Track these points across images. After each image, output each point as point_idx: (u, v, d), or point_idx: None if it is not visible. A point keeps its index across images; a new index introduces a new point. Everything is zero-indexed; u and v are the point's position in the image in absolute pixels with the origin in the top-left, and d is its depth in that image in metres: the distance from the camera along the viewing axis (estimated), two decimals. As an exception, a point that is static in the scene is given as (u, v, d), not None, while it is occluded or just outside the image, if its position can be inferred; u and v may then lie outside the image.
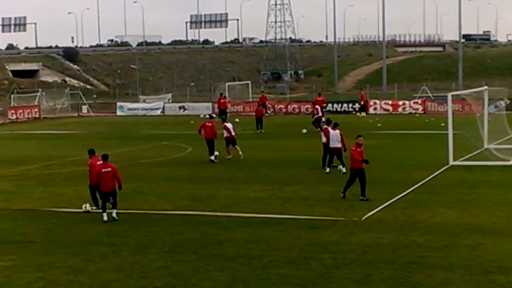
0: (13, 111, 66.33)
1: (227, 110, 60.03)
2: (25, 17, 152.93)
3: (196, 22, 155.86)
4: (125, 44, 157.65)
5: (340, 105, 65.39)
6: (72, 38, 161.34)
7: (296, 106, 66.91)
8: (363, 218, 20.92)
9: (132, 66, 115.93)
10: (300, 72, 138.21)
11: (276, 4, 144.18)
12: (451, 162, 30.22)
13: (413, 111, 62.27)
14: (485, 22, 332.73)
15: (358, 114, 62.49)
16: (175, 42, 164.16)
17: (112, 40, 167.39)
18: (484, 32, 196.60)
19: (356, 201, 23.21)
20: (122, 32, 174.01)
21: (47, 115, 68.91)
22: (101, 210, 21.46)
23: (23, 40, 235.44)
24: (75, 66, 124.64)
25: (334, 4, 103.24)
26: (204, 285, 15.15)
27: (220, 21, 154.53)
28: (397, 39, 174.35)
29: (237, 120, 56.43)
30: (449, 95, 32.71)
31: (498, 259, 16.45)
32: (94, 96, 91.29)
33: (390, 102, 65.06)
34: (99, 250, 18.03)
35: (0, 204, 24.47)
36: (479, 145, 33.87)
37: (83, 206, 22.70)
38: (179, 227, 20.39)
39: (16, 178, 30.25)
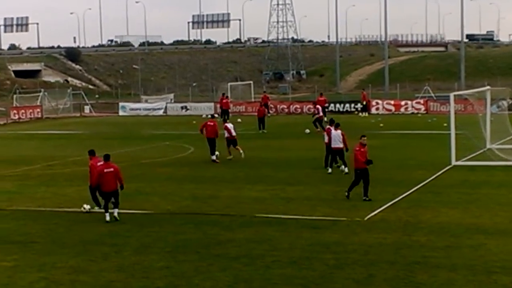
0: (15, 111, 66.36)
1: (229, 110, 59.99)
2: (27, 17, 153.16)
3: (198, 22, 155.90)
4: (127, 44, 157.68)
5: (342, 105, 65.36)
6: (74, 38, 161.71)
7: (298, 106, 66.87)
8: (366, 218, 20.90)
9: (134, 66, 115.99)
10: (302, 72, 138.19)
11: (278, 4, 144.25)
12: (454, 162, 30.19)
13: (415, 111, 62.20)
14: (487, 22, 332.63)
15: (360, 114, 62.44)
16: (177, 42, 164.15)
17: (112, 40, 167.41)
18: (487, 32, 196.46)
19: (359, 201, 23.20)
20: (124, 32, 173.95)
21: (49, 115, 68.93)
22: (103, 210, 21.46)
23: (25, 40, 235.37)
24: (77, 66, 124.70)
25: (336, 4, 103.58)
26: (207, 285, 15.15)
27: (222, 21, 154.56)
28: (399, 39, 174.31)
29: (239, 120, 56.44)
30: (452, 95, 32.66)
31: (501, 259, 16.43)
32: (96, 96, 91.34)
33: (392, 102, 65.01)
34: (101, 250, 18.03)
35: (3, 204, 24.48)
36: (482, 145, 33.83)
37: (83, 206, 22.71)
38: (181, 227, 20.39)
39: (19, 178, 30.26)
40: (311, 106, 56.83)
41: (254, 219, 21.34)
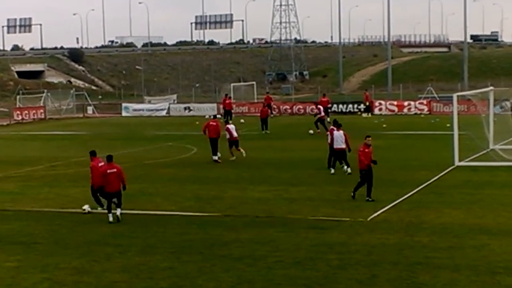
0: (18, 112, 66.44)
1: (232, 111, 60.03)
2: (30, 18, 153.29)
3: (201, 23, 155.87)
4: (130, 45, 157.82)
5: (345, 105, 65.36)
6: (77, 39, 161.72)
7: (301, 106, 66.85)
8: (369, 219, 20.90)
9: (137, 67, 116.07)
10: (305, 72, 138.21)
11: (281, 5, 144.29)
12: (457, 163, 30.18)
13: (419, 112, 62.19)
14: (490, 23, 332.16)
15: (363, 115, 62.39)
16: (180, 43, 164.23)
17: (112, 41, 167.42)
18: (492, 32, 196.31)
19: (362, 202, 23.20)
20: (127, 33, 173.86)
21: (53, 116, 69.00)
22: (105, 211, 21.48)
23: (28, 41, 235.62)
24: (80, 67, 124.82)
25: (339, 5, 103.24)
26: (210, 285, 15.16)
27: (225, 22, 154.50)
28: (402, 39, 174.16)
29: (242, 121, 56.46)
30: (455, 95, 32.67)
31: (504, 259, 16.42)
32: (99, 97, 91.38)
33: (395, 102, 65.00)
34: (105, 250, 18.04)
35: (6, 205, 24.51)
36: (485, 146, 33.82)
37: (83, 207, 22.73)
38: (184, 228, 20.40)
39: (22, 179, 30.29)
40: (314, 107, 56.89)
41: (257, 219, 21.35)
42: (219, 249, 17.97)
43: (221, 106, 61.89)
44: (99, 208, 22.60)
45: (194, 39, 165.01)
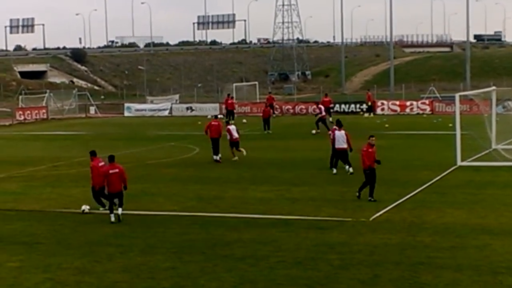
0: (21, 112, 66.48)
1: (235, 111, 60.03)
2: (33, 19, 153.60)
3: (204, 23, 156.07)
4: (132, 45, 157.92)
5: (347, 105, 65.34)
6: (80, 39, 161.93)
7: (303, 106, 66.81)
8: (371, 219, 20.89)
9: (139, 67, 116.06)
10: (307, 72, 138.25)
11: (283, 5, 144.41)
12: (459, 163, 30.16)
13: (421, 112, 62.15)
14: (493, 23, 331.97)
15: (365, 115, 62.33)
16: (182, 43, 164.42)
17: (112, 41, 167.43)
18: (495, 32, 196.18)
19: (364, 202, 23.19)
20: (129, 33, 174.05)
21: (55, 116, 69.02)
22: (107, 211, 21.48)
23: (31, 41, 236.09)
24: (83, 67, 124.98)
25: (341, 5, 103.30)
26: (212, 285, 15.16)
27: (227, 21, 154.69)
28: (405, 39, 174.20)
29: (244, 121, 56.49)
30: (457, 95, 32.65)
31: (506, 259, 16.41)
32: (102, 97, 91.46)
33: (397, 102, 64.95)
34: (107, 251, 18.05)
35: (8, 205, 24.53)
36: (487, 146, 33.79)
37: (82, 207, 22.75)
38: (186, 228, 20.40)
39: (24, 179, 30.31)
40: (315, 107, 56.89)
41: (259, 220, 21.34)
42: (221, 249, 17.97)
43: (224, 106, 61.90)
44: (100, 209, 22.60)
45: (197, 39, 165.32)
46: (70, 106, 72.52)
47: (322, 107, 48.69)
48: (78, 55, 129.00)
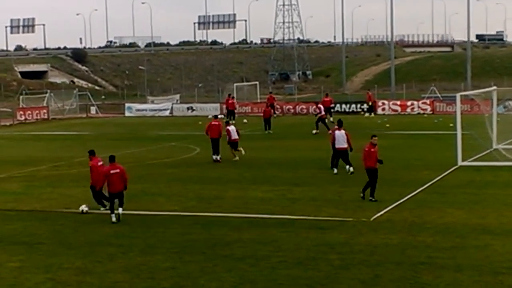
0: (21, 112, 66.50)
1: (235, 111, 60.02)
2: (33, 19, 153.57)
3: (204, 23, 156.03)
4: (133, 45, 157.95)
5: (348, 105, 65.33)
6: (81, 39, 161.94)
7: (304, 106, 66.78)
8: (372, 219, 20.89)
9: (140, 67, 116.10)
10: (308, 72, 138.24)
11: (284, 5, 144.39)
12: (460, 163, 30.14)
13: (422, 112, 62.12)
14: (494, 22, 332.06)
15: (365, 114, 62.29)
16: (183, 43, 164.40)
17: (111, 42, 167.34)
18: (497, 32, 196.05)
19: (365, 202, 23.19)
20: (130, 33, 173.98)
21: (56, 116, 69.04)
22: (108, 211, 21.48)
23: (31, 41, 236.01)
24: (84, 67, 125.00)
25: (342, 5, 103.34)
26: (212, 285, 15.16)
27: (228, 21, 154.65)
28: (405, 39, 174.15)
29: (245, 121, 56.51)
30: (458, 95, 32.62)
31: (507, 259, 16.41)
32: (103, 97, 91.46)
33: (398, 102, 64.94)
34: (108, 251, 18.05)
35: (9, 205, 24.54)
36: (488, 146, 33.78)
37: (80, 207, 22.75)
38: (187, 228, 20.40)
39: (25, 179, 30.32)
40: (315, 107, 56.89)
41: (259, 219, 21.34)
42: (221, 249, 17.97)
43: (224, 106, 61.91)
44: (101, 209, 22.61)
45: (197, 39, 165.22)
46: (70, 106, 72.54)
47: (322, 107, 48.73)
48: (79, 55, 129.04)
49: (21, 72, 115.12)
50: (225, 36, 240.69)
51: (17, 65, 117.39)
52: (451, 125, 40.93)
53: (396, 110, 63.22)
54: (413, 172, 29.55)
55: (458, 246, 17.68)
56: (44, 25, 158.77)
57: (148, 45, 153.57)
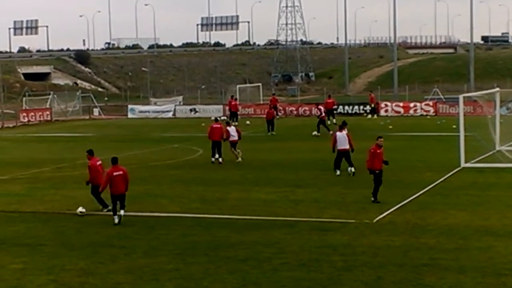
0: (25, 114, 66.55)
1: (238, 113, 60.03)
2: (36, 20, 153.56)
3: (207, 24, 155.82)
4: (136, 46, 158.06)
5: (351, 107, 65.33)
6: (84, 41, 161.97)
7: (307, 108, 66.72)
8: (374, 221, 20.88)
9: (143, 68, 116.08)
10: (311, 74, 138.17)
11: (287, 6, 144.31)
12: (463, 164, 30.12)
13: (425, 113, 62.11)
14: (497, 24, 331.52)
15: (368, 116, 62.22)
16: (186, 45, 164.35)
17: (109, 43, 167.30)
18: (502, 33, 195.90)
19: (367, 203, 23.19)
20: (133, 35, 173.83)
21: (59, 117, 69.09)
22: (110, 213, 21.50)
23: (34, 43, 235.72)
24: (87, 69, 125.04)
25: (345, 6, 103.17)
26: (215, 287, 15.16)
27: (231, 23, 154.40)
28: (408, 40, 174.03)
29: (247, 122, 56.53)
30: (461, 97, 32.60)
31: (510, 261, 16.40)
32: (106, 98, 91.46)
33: (401, 104, 64.94)
34: (110, 252, 18.06)
35: (12, 207, 24.56)
36: (491, 147, 33.77)
37: (78, 209, 22.77)
38: (190, 230, 20.41)
39: (28, 181, 30.34)
40: (316, 110, 56.88)
41: (262, 221, 21.34)
42: (224, 250, 17.97)
43: (227, 108, 61.91)
44: (104, 210, 22.63)
45: (200, 41, 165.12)
46: (73, 108, 72.60)
47: (322, 108, 48.73)
48: (82, 56, 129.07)
49: (24, 74, 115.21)
50: (228, 38, 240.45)
51: (20, 66, 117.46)
52: (454, 126, 40.91)
53: (399, 112, 63.21)
54: (416, 173, 29.54)
55: (461, 247, 17.68)
56: (47, 26, 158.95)
57: (151, 46, 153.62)
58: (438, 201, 23.60)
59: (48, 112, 68.55)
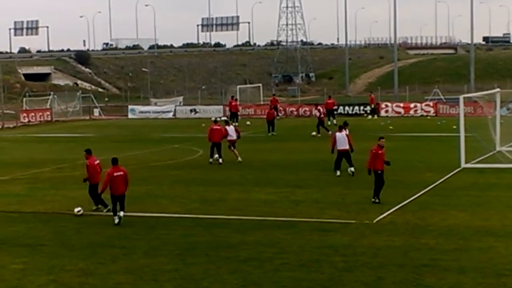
0: (25, 114, 66.56)
1: (239, 113, 60.03)
2: (37, 21, 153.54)
3: (208, 25, 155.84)
4: (136, 47, 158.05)
5: (351, 107, 65.35)
6: (84, 41, 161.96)
7: (307, 109, 66.74)
8: (375, 221, 20.88)
9: (143, 69, 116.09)
10: (311, 74, 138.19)
11: (287, 7, 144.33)
12: (463, 165, 30.11)
13: (425, 114, 62.13)
14: (498, 25, 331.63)
15: (369, 117, 62.22)
16: (186, 45, 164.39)
17: (107, 44, 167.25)
18: (504, 34, 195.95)
19: (368, 204, 23.18)
20: (134, 35, 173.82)
21: (59, 118, 69.12)
22: (111, 213, 21.50)
23: (35, 44, 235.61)
24: (87, 69, 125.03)
25: (345, 7, 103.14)
26: (215, 287, 15.15)
27: (231, 24, 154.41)
28: (409, 41, 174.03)
29: (248, 123, 56.53)
30: (461, 97, 32.59)
31: (510, 261, 16.39)
32: (106, 99, 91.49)
33: (401, 104, 64.97)
34: (110, 252, 18.06)
35: (12, 207, 24.55)
36: (491, 148, 33.77)
37: (75, 210, 22.76)
38: (190, 230, 20.40)
39: (28, 181, 30.34)
40: (316, 111, 56.88)
41: (263, 222, 21.33)
42: (224, 251, 17.96)
43: (227, 108, 61.92)
44: (104, 210, 22.63)
45: (201, 41, 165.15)
46: (74, 108, 72.63)
47: (321, 109, 48.74)
48: (82, 57, 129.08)
49: (24, 74, 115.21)
50: (229, 38, 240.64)
51: (21, 67, 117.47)
52: (454, 127, 40.90)
53: (399, 112, 63.23)
54: (416, 174, 29.54)
55: (461, 248, 17.67)
56: (47, 27, 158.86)
57: (151, 47, 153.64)
58: (438, 202, 23.60)
59: (48, 113, 68.57)
